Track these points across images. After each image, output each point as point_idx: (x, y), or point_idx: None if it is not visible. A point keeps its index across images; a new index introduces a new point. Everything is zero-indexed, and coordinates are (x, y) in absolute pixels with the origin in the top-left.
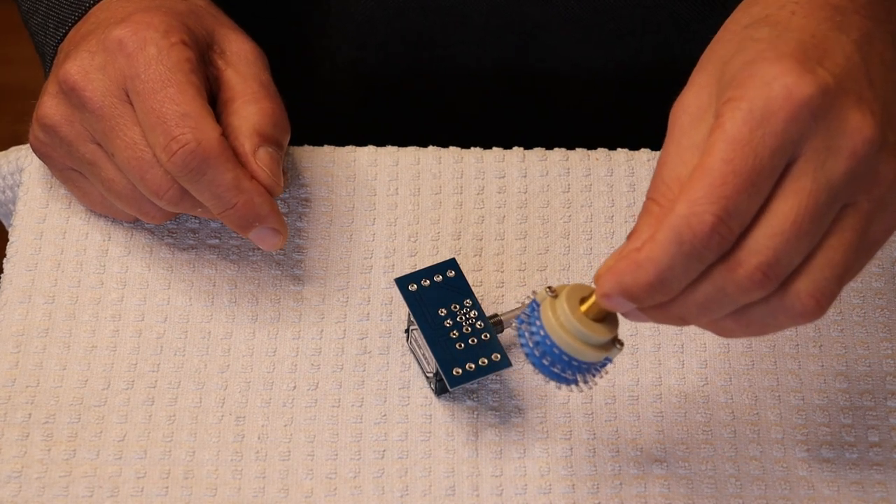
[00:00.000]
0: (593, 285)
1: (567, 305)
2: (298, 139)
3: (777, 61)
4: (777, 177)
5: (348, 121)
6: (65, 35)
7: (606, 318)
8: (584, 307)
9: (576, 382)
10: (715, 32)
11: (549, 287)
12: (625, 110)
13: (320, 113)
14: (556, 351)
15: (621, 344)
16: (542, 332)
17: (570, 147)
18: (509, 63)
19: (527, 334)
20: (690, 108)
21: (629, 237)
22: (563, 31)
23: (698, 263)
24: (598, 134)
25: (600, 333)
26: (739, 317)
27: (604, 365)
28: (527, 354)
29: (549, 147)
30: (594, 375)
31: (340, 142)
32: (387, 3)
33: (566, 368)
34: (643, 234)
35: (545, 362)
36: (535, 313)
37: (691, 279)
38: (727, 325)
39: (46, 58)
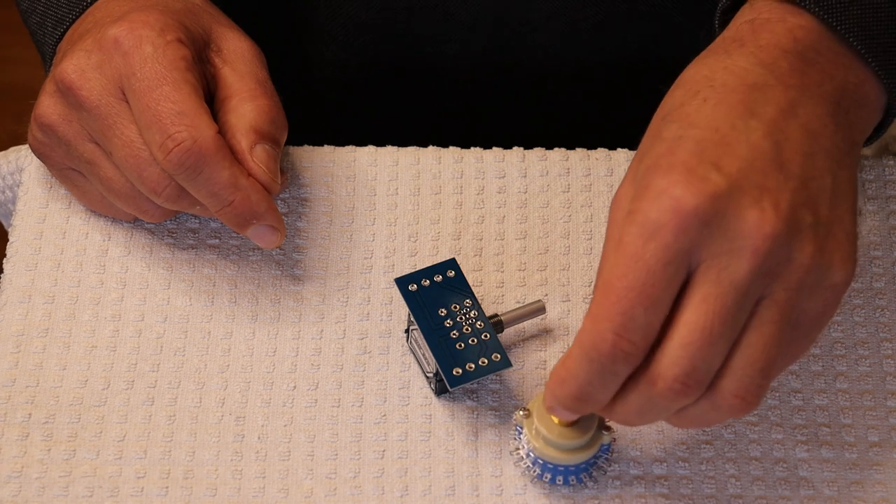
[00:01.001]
0: None
1: (539, 423)
2: (296, 139)
3: (668, 172)
4: (677, 287)
5: (344, 120)
6: (63, 34)
7: (580, 417)
8: (554, 417)
9: (590, 475)
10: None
11: (524, 409)
12: (614, 103)
13: (317, 111)
14: (551, 466)
15: (608, 428)
16: (532, 455)
17: (569, 145)
18: (496, 58)
19: (524, 457)
20: (622, 205)
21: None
22: (549, 25)
23: (613, 377)
24: (585, 128)
25: (578, 436)
26: (681, 417)
27: (605, 452)
28: (534, 476)
29: (548, 146)
30: (598, 464)
31: (336, 139)
32: (370, 4)
33: (568, 475)
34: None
35: (548, 478)
36: (522, 437)
37: (614, 391)
38: (674, 422)
39: (46, 57)
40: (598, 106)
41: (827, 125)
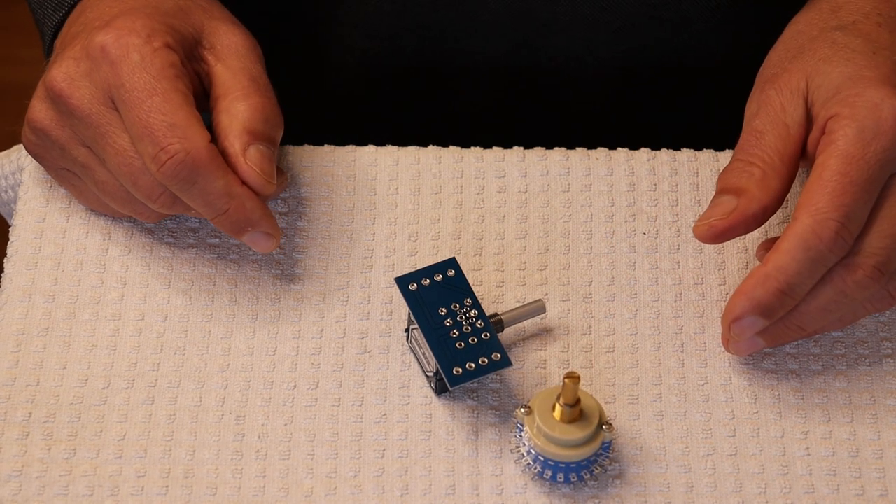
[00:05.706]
0: (562, 382)
1: (540, 420)
2: (297, 138)
3: (881, 84)
4: (882, 187)
5: (356, 110)
6: (61, 20)
7: (581, 414)
8: (556, 413)
9: (591, 473)
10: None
11: (525, 406)
12: (628, 107)
13: (328, 101)
14: (552, 463)
15: (609, 425)
16: (533, 452)
17: (569, 145)
18: (516, 57)
19: (525, 455)
20: (785, 90)
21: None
22: (572, 27)
23: (822, 267)
24: (600, 131)
25: (580, 432)
26: (855, 309)
27: (606, 450)
28: (534, 474)
29: (550, 146)
30: (599, 462)
31: (346, 131)
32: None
33: (569, 472)
34: (755, 193)
35: (549, 475)
36: (523, 435)
37: (813, 283)
38: (834, 324)
39: (45, 37)
40: (608, 110)
41: None
